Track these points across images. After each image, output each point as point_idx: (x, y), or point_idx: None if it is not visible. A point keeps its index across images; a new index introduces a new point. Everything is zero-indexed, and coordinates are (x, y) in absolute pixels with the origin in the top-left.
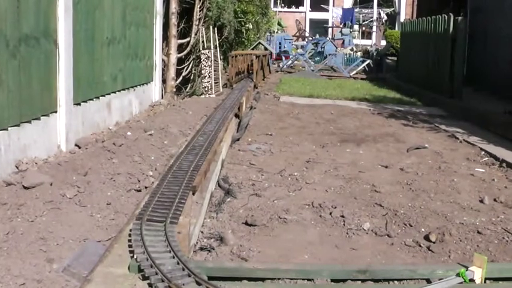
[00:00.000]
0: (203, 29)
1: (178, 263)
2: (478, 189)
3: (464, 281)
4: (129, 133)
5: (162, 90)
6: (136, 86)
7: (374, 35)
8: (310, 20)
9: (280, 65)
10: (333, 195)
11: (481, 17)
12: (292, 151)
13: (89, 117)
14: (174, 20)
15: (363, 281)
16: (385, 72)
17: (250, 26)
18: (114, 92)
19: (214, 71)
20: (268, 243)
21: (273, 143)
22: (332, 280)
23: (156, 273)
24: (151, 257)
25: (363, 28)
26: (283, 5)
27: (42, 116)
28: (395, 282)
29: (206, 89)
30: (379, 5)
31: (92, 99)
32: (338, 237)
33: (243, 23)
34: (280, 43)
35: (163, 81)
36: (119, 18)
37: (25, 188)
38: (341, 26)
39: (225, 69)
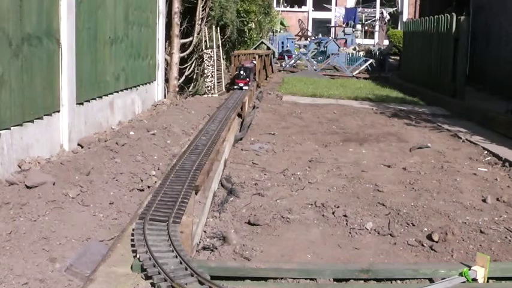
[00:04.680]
0: (206, 28)
1: (181, 263)
2: (481, 188)
3: (467, 280)
4: (131, 132)
5: (165, 90)
6: (139, 86)
7: (376, 34)
8: (313, 19)
9: (283, 65)
10: (335, 194)
11: (484, 17)
12: (295, 150)
13: (92, 117)
14: (176, 19)
15: (366, 280)
16: (387, 72)
17: (253, 26)
18: (117, 92)
19: (217, 70)
20: (271, 243)
21: (276, 142)
22: (335, 279)
23: (159, 273)
24: (154, 256)
25: (366, 28)
26: (285, 4)
27: (45, 115)
28: (398, 281)
29: (209, 88)
30: (382, 5)
31: (94, 99)
32: (341, 236)
33: (245, 23)
34: (282, 42)
35: (166, 80)
36: (122, 18)
37: (28, 187)
38: (344, 25)
39: (228, 68)
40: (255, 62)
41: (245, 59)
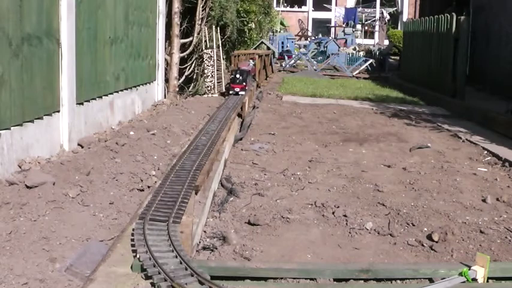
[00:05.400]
0: (206, 28)
1: (181, 263)
2: (481, 188)
3: (467, 280)
4: (131, 132)
5: (165, 90)
6: (139, 86)
7: (376, 34)
8: (313, 19)
9: (283, 65)
10: (335, 194)
11: (484, 17)
12: (295, 150)
13: (92, 117)
14: (176, 19)
15: (366, 280)
16: (387, 72)
17: (253, 26)
18: (117, 92)
19: (217, 70)
20: (271, 243)
21: (276, 142)
22: (335, 279)
23: (159, 273)
24: (154, 256)
25: (366, 27)
26: (285, 4)
27: (45, 115)
28: (398, 281)
29: (209, 88)
30: (382, 5)
31: (94, 99)
32: (341, 236)
33: (245, 23)
34: (282, 42)
35: (166, 80)
36: (122, 18)
37: (28, 187)
38: (344, 25)
39: (228, 68)
40: (252, 63)
41: (245, 59)
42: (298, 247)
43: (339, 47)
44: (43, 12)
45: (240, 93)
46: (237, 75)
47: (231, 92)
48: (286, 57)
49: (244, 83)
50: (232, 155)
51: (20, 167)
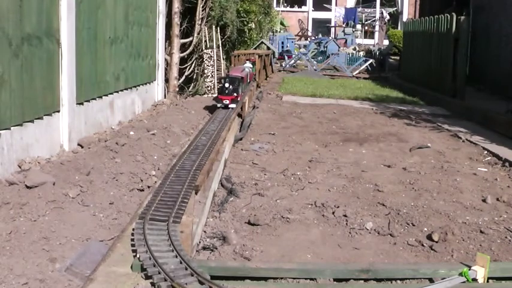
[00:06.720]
0: (206, 28)
1: (181, 262)
2: (481, 188)
3: (467, 280)
4: (131, 132)
5: (165, 90)
6: (139, 86)
7: (376, 34)
8: (313, 19)
9: (283, 65)
10: (335, 194)
11: (484, 17)
12: (295, 150)
13: (92, 117)
14: (176, 19)
15: (366, 280)
16: (387, 72)
17: (253, 26)
18: (117, 92)
19: (217, 70)
20: (271, 243)
21: (276, 142)
22: (335, 279)
23: (159, 273)
24: (154, 256)
25: (366, 27)
26: (285, 4)
27: (45, 115)
28: (398, 281)
29: (209, 88)
30: (382, 5)
31: (94, 99)
32: (341, 236)
33: (245, 23)
34: (282, 42)
35: (166, 80)
36: (122, 18)
37: (28, 187)
38: (344, 25)
39: (228, 68)
40: (249, 66)
41: (245, 59)
42: (298, 247)
43: (339, 47)
44: (43, 12)
45: (229, 106)
46: (226, 84)
47: (219, 105)
48: (286, 57)
49: (235, 94)
50: (232, 155)
51: (20, 167)
